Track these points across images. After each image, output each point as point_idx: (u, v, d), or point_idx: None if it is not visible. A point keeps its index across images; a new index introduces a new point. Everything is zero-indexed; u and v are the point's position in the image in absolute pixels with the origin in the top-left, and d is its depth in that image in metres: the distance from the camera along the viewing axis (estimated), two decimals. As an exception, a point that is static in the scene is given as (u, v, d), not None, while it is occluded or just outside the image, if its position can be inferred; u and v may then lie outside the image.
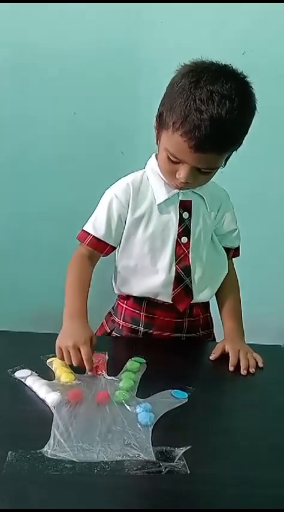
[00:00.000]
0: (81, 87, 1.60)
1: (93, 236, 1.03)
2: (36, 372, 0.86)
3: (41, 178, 1.68)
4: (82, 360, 0.87)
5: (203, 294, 1.08)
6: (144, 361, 0.93)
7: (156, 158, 1.01)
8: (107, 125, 1.62)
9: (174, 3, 1.50)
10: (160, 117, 0.92)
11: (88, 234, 1.04)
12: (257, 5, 1.50)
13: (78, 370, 0.87)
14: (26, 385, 0.83)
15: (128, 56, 1.57)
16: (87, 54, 1.56)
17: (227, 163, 0.96)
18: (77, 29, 1.54)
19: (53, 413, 0.75)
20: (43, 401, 0.79)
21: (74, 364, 0.87)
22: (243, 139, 0.92)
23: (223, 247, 1.12)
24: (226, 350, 1.00)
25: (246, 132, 0.91)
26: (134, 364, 0.92)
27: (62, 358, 0.89)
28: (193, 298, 1.06)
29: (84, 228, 1.06)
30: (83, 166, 1.66)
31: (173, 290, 1.04)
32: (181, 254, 1.03)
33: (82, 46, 1.56)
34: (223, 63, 0.88)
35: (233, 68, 0.88)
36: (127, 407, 0.78)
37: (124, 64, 1.57)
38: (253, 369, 0.96)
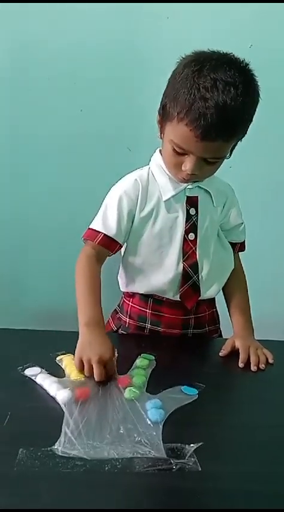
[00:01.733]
0: (88, 84, 1.60)
1: (104, 235, 1.00)
2: (46, 370, 0.87)
3: (47, 175, 1.68)
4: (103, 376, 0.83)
5: (210, 290, 1.07)
6: (153, 357, 0.93)
7: (160, 153, 1.00)
8: (114, 121, 1.62)
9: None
10: (163, 109, 0.91)
11: (98, 232, 1.00)
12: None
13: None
14: (36, 382, 0.84)
15: (134, 52, 1.55)
16: (94, 52, 1.55)
17: (232, 155, 0.95)
18: (82, 27, 1.54)
19: (63, 411, 0.75)
20: (53, 398, 0.79)
21: (97, 379, 0.82)
22: (248, 126, 0.91)
23: (229, 242, 1.12)
24: (235, 346, 1.00)
25: (251, 119, 0.90)
26: (143, 361, 0.91)
27: (82, 370, 0.85)
28: (200, 295, 1.05)
29: (92, 227, 1.02)
30: (90, 163, 1.66)
31: (181, 287, 1.03)
32: (188, 251, 1.03)
33: (88, 43, 1.55)
34: (225, 51, 0.87)
35: (235, 56, 0.87)
36: (137, 404, 0.78)
37: (131, 60, 1.56)
38: (263, 365, 0.96)
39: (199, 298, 1.06)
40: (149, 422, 0.74)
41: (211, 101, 0.82)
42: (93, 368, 0.83)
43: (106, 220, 1.01)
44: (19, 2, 1.50)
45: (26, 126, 1.64)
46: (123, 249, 1.08)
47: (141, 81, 1.57)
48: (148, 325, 1.08)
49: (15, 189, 1.71)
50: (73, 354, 0.90)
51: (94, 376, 0.82)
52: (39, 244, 1.77)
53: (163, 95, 0.92)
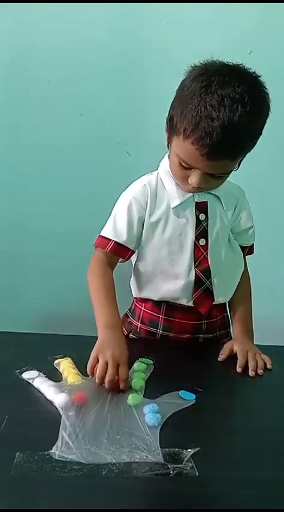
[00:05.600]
0: (87, 88, 1.60)
1: (115, 242, 1.00)
2: (43, 373, 0.87)
3: (47, 179, 1.68)
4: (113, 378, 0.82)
5: (224, 294, 1.07)
6: (151, 362, 0.93)
7: (169, 159, 0.99)
8: (113, 125, 1.62)
9: (179, 3, 1.50)
10: (170, 121, 0.90)
11: (109, 240, 1.00)
12: (263, 3, 1.50)
13: (85, 371, 0.86)
14: (33, 386, 0.83)
15: (134, 57, 1.56)
16: (93, 55, 1.56)
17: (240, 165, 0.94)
18: (83, 31, 1.54)
19: (60, 415, 0.75)
20: (51, 402, 0.79)
21: (107, 379, 0.82)
22: (257, 141, 0.89)
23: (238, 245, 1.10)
24: (234, 351, 1.00)
25: (259, 135, 0.89)
26: (141, 365, 0.91)
27: (93, 367, 0.84)
28: (214, 300, 1.04)
29: (103, 234, 1.02)
30: (89, 167, 1.66)
31: (193, 293, 1.02)
32: (200, 256, 1.01)
33: (88, 47, 1.55)
34: (235, 63, 0.85)
35: (245, 67, 0.85)
36: (135, 408, 0.78)
37: (131, 65, 1.57)
38: (261, 370, 0.95)
39: (213, 303, 1.05)
40: (146, 427, 0.74)
41: (218, 121, 0.80)
42: (105, 368, 0.82)
43: (116, 227, 1.01)
44: (18, 2, 1.50)
45: (25, 129, 1.64)
46: (134, 257, 1.07)
47: (142, 85, 1.57)
48: (160, 331, 1.07)
49: (14, 192, 1.71)
50: (71, 358, 0.91)
51: (107, 375, 0.82)
52: (39, 248, 1.76)
53: (171, 105, 0.91)
